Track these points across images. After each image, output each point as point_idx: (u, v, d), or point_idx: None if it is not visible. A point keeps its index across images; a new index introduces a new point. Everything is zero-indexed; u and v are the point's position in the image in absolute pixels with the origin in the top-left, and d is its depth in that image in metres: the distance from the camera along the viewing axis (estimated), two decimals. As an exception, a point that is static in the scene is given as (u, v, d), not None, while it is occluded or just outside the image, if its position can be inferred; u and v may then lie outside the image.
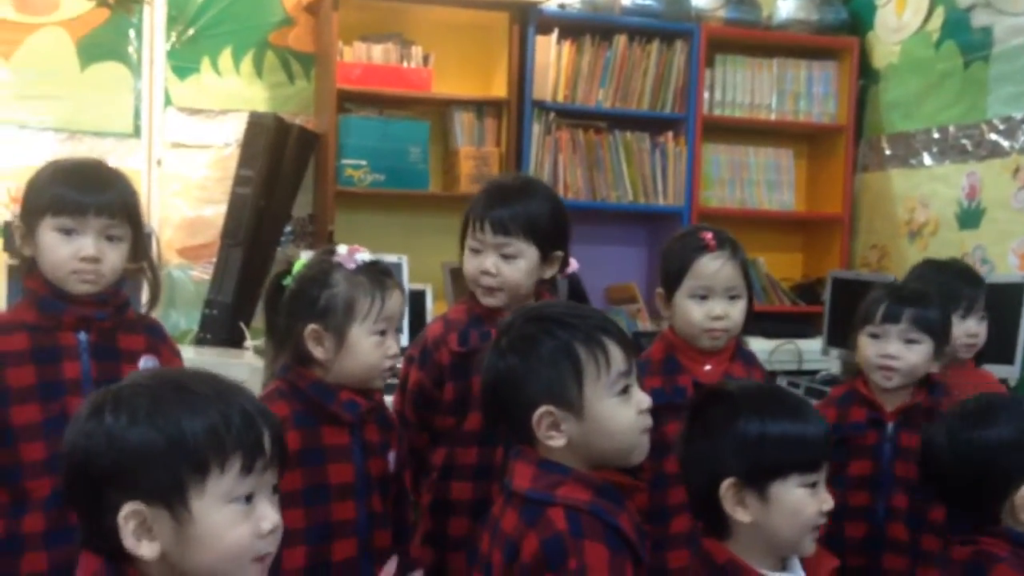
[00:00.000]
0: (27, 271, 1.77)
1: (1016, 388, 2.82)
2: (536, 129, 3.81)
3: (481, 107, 3.84)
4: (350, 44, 3.68)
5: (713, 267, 1.98)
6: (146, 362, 1.81)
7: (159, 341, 1.87)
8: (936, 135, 3.80)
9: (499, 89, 3.81)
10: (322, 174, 3.69)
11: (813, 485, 1.39)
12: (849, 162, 4.13)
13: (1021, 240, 3.41)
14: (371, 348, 1.71)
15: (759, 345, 3.32)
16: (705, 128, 3.99)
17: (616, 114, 3.94)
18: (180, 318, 3.69)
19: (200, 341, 3.48)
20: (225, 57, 3.75)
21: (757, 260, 4.10)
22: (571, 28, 3.86)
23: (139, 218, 1.81)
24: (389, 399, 1.97)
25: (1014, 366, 2.87)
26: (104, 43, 3.62)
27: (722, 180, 4.15)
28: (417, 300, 3.44)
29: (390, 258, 3.00)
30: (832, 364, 3.41)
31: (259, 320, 3.40)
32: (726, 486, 1.38)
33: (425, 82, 3.73)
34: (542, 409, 1.38)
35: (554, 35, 3.80)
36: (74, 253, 1.71)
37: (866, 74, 4.14)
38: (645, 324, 3.81)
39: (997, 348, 2.45)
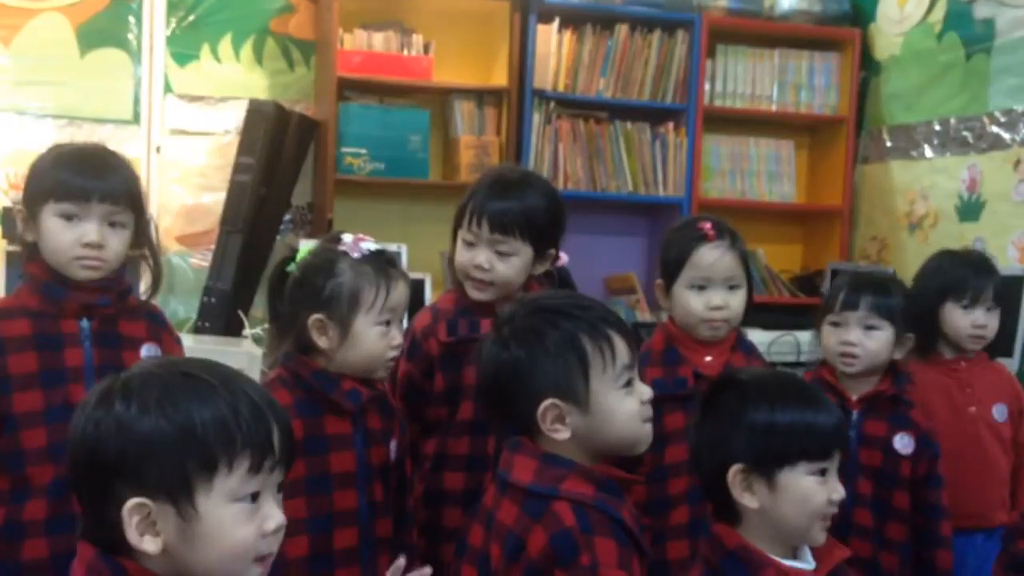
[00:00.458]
0: (29, 257, 1.77)
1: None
2: (536, 118, 3.80)
3: (481, 96, 3.83)
4: (350, 32, 3.67)
5: (712, 257, 1.98)
6: (148, 350, 1.81)
7: (160, 328, 1.87)
8: (937, 127, 3.79)
9: (499, 78, 3.80)
10: (322, 162, 3.69)
11: (822, 473, 1.39)
12: (850, 154, 4.13)
13: (1021, 233, 3.40)
14: (376, 338, 1.70)
15: (758, 336, 3.31)
16: (706, 119, 3.98)
17: (617, 104, 3.93)
18: (179, 306, 3.68)
19: (199, 329, 3.48)
20: (225, 44, 3.74)
21: (757, 251, 4.09)
22: (572, 17, 3.84)
23: (142, 204, 1.80)
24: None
25: (1014, 358, 2.88)
26: (104, 29, 3.61)
27: (722, 171, 4.14)
28: (416, 289, 3.42)
29: (389, 247, 2.97)
30: (831, 356, 3.41)
31: (258, 308, 3.41)
32: (734, 472, 1.39)
33: (425, 70, 3.72)
34: (547, 402, 1.38)
35: (555, 24, 3.79)
36: (77, 239, 1.70)
37: (867, 65, 4.13)
38: (644, 315, 3.81)
39: (997, 340, 2.45)
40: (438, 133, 3.86)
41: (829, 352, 2.16)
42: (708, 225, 2.01)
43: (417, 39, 3.74)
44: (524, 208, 1.90)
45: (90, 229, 1.71)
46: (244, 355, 2.94)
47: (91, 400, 1.06)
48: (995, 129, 3.54)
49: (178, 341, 1.93)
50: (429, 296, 3.37)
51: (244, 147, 3.59)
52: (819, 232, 4.30)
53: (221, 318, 3.43)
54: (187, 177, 3.74)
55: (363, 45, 3.66)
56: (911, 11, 3.92)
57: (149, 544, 1.02)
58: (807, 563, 1.42)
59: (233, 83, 3.75)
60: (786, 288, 4.16)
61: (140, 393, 1.04)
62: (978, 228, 3.57)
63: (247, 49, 3.76)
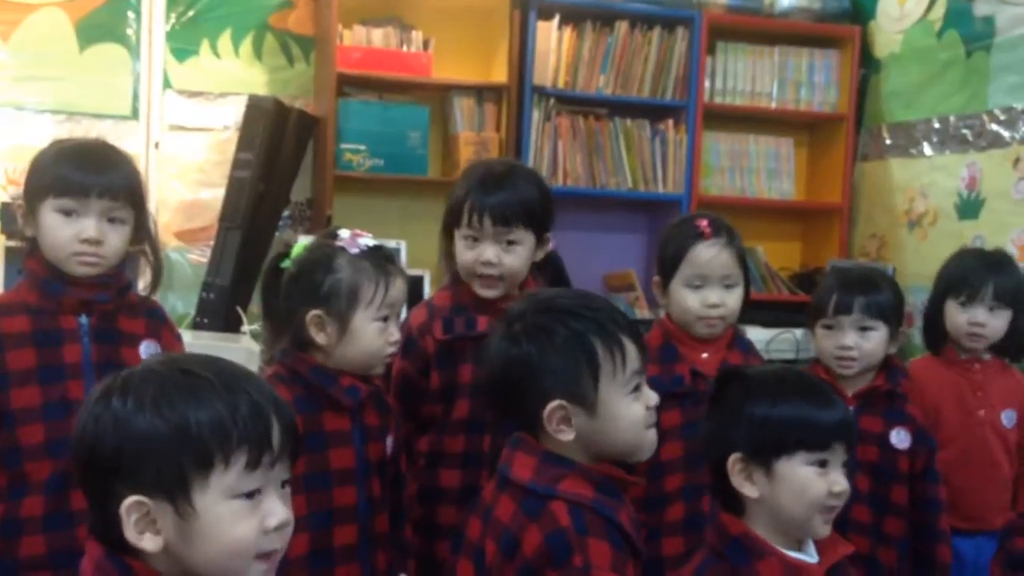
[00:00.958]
0: (29, 252, 1.76)
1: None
2: (536, 115, 3.79)
3: (481, 92, 3.82)
4: (350, 28, 3.66)
5: (708, 255, 1.98)
6: (147, 346, 1.80)
7: (160, 324, 1.87)
8: (937, 125, 3.79)
9: (499, 74, 3.79)
10: (321, 158, 3.68)
11: (822, 465, 1.41)
12: (849, 151, 4.12)
13: (1020, 231, 3.40)
14: (374, 334, 1.69)
15: (757, 334, 3.32)
16: (705, 116, 3.98)
17: (616, 101, 3.92)
18: (177, 301, 3.68)
19: (197, 325, 3.47)
20: (224, 40, 3.74)
21: (756, 249, 4.10)
22: (572, 14, 3.84)
23: (142, 201, 1.80)
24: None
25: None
26: (103, 24, 3.61)
27: (722, 168, 4.14)
28: (415, 286, 3.44)
29: (388, 243, 2.98)
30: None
31: (256, 304, 3.41)
32: (733, 460, 1.41)
33: (425, 67, 3.72)
34: (555, 403, 1.37)
35: (555, 20, 3.79)
36: (75, 235, 1.70)
37: (867, 63, 4.12)
38: (643, 312, 3.81)
39: (1008, 342, 2.43)
40: (437, 129, 3.86)
41: (825, 355, 2.15)
42: (704, 223, 2.01)
43: (417, 35, 3.74)
44: (521, 198, 1.91)
45: (88, 225, 1.70)
46: (242, 351, 2.94)
47: (93, 396, 1.06)
48: (995, 127, 3.54)
49: (178, 338, 1.93)
50: (428, 292, 3.38)
51: (243, 143, 3.59)
52: (818, 230, 4.30)
53: (220, 314, 3.42)
54: (186, 173, 3.74)
55: (362, 41, 3.66)
56: (911, 8, 3.92)
57: (149, 542, 1.02)
58: (811, 557, 1.43)
59: (232, 79, 3.75)
60: (785, 286, 4.16)
61: (137, 391, 1.03)
62: (977, 226, 3.57)
63: (246, 45, 3.76)
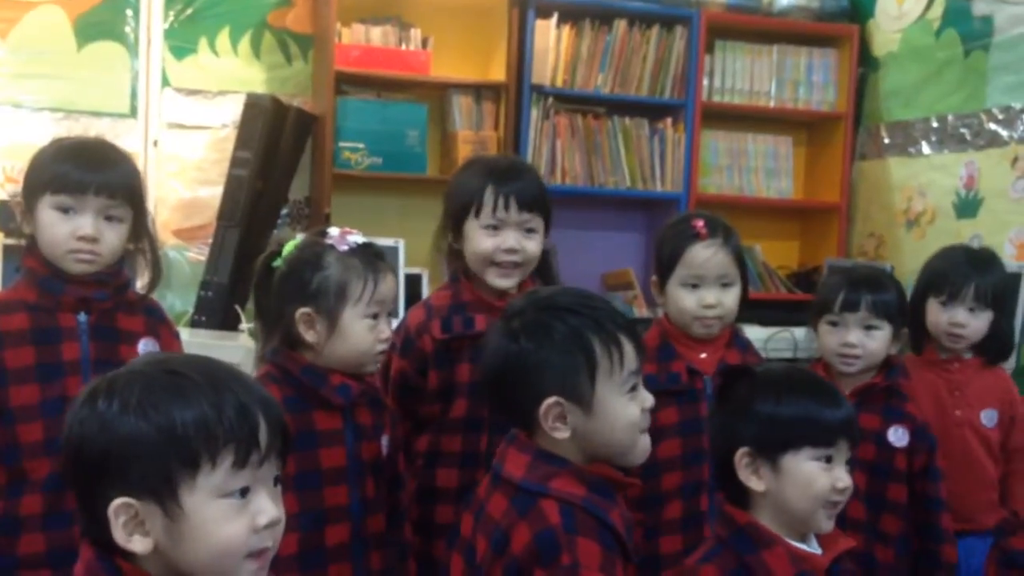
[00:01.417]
0: (27, 250, 1.77)
1: (1013, 379, 2.82)
2: (534, 114, 3.79)
3: (479, 91, 3.82)
4: (348, 26, 3.66)
5: (704, 256, 1.98)
6: (145, 344, 1.81)
7: (158, 323, 1.87)
8: (935, 124, 3.79)
9: (498, 73, 3.79)
10: (319, 156, 3.68)
11: (827, 460, 1.45)
12: (847, 150, 4.12)
13: (1018, 230, 3.41)
14: (364, 332, 1.68)
15: (755, 333, 3.32)
16: (704, 114, 3.98)
17: (615, 99, 3.92)
18: (175, 299, 3.68)
19: (195, 323, 3.47)
20: (223, 38, 3.73)
21: (754, 247, 4.10)
22: (571, 12, 3.84)
23: (140, 199, 1.80)
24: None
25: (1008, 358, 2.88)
26: (101, 22, 3.60)
27: (720, 167, 4.14)
28: (413, 284, 3.44)
29: (386, 242, 2.99)
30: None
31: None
32: (740, 454, 1.45)
33: (423, 65, 3.72)
34: (551, 400, 1.38)
35: (553, 19, 3.79)
36: (72, 232, 1.70)
37: (866, 62, 4.13)
38: (642, 310, 3.81)
39: (991, 340, 2.42)
40: (436, 128, 3.86)
41: (828, 352, 2.15)
42: (700, 223, 2.00)
43: (415, 33, 3.74)
44: (537, 185, 1.96)
45: (85, 222, 1.70)
46: (240, 349, 2.94)
47: (81, 398, 1.06)
48: (993, 126, 3.54)
49: (176, 336, 1.93)
50: (426, 291, 3.38)
51: (241, 141, 3.59)
52: (816, 228, 4.30)
53: (218, 312, 3.42)
54: (184, 171, 3.73)
55: (361, 39, 3.66)
56: (909, 8, 3.92)
57: (138, 544, 1.02)
58: (814, 550, 1.47)
59: (231, 77, 3.74)
60: (783, 284, 4.17)
61: (122, 392, 1.03)
62: (975, 225, 3.58)
63: (245, 43, 3.76)
